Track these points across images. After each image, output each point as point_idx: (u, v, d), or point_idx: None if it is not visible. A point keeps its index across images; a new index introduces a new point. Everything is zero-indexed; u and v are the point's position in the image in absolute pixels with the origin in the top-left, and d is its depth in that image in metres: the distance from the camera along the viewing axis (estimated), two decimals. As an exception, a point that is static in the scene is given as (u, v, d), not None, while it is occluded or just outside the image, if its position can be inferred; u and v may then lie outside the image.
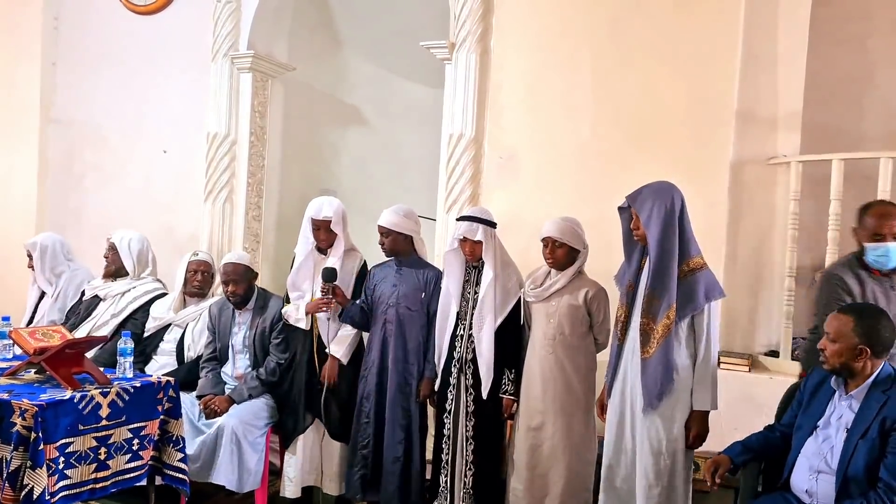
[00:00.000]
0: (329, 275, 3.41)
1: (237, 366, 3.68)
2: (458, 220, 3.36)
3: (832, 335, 2.38)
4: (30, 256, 4.40)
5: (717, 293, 2.72)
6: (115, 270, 4.14)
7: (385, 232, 3.45)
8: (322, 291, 3.42)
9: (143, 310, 4.01)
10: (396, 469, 3.39)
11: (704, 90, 3.83)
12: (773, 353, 3.80)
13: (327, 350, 3.50)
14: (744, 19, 3.77)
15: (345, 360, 3.51)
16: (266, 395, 3.60)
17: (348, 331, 3.53)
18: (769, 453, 2.62)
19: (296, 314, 3.55)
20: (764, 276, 3.87)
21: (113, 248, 4.14)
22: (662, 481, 2.72)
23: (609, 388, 2.92)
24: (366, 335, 3.61)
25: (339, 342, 3.51)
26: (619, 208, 2.86)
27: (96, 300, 4.10)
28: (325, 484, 3.57)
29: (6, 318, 3.52)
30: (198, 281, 3.91)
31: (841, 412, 2.40)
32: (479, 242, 3.24)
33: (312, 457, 3.54)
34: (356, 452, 3.48)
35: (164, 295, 4.10)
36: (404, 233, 3.46)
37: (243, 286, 3.67)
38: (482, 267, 3.28)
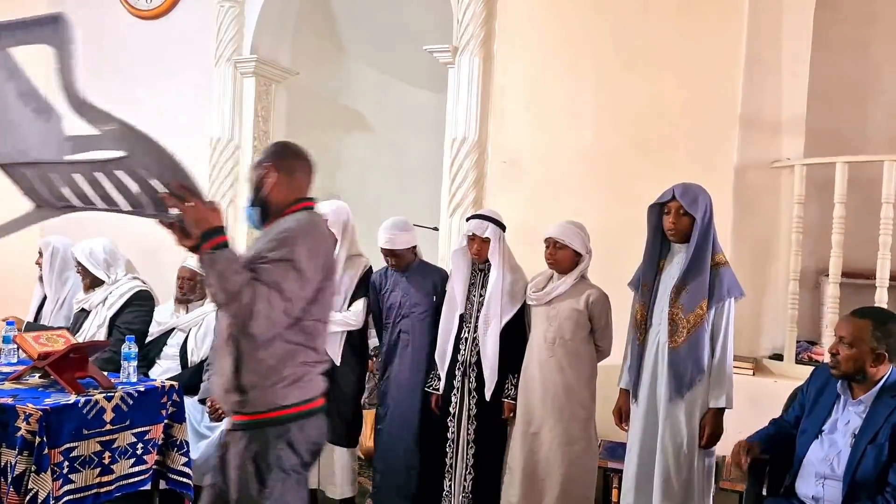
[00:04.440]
0: None
1: (239, 369, 3.68)
2: (467, 219, 3.37)
3: (848, 339, 2.34)
4: (40, 254, 4.39)
5: (738, 291, 2.77)
6: (92, 281, 4.10)
7: (391, 253, 3.44)
8: None
9: (128, 309, 3.99)
10: (412, 475, 3.39)
11: (708, 94, 3.83)
12: (778, 357, 3.79)
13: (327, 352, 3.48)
14: (747, 23, 3.77)
15: (335, 359, 3.49)
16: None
17: (335, 327, 3.48)
18: (787, 442, 2.57)
19: None
20: (768, 280, 3.86)
21: (79, 264, 4.11)
22: (682, 475, 2.72)
23: (634, 389, 2.89)
24: (372, 339, 3.62)
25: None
26: (651, 206, 2.84)
27: (84, 313, 4.08)
28: (328, 487, 3.56)
29: (10, 323, 3.53)
30: (179, 288, 3.94)
31: (848, 418, 2.39)
32: (487, 241, 3.23)
33: None
34: (376, 460, 3.52)
35: (144, 291, 4.09)
36: (409, 247, 3.47)
37: None
38: (488, 270, 3.27)
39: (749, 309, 3.78)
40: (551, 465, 3.13)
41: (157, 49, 5.18)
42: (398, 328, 3.49)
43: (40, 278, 4.42)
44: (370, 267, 3.62)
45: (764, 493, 2.66)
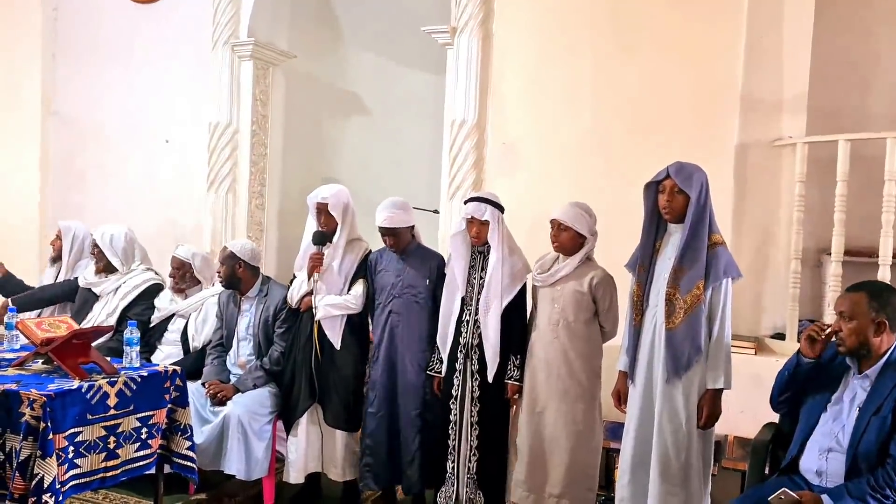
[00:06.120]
0: (318, 238, 3.45)
1: (240, 353, 3.69)
2: (465, 201, 3.36)
3: (848, 313, 2.36)
4: (58, 237, 4.39)
5: (735, 272, 2.75)
6: (105, 266, 4.11)
7: (390, 231, 3.42)
8: (312, 256, 3.44)
9: (140, 302, 4.01)
10: (417, 457, 3.40)
11: (708, 75, 3.82)
12: (780, 336, 3.80)
13: (328, 335, 3.48)
14: (748, 4, 3.75)
15: (335, 342, 3.48)
16: (270, 384, 3.60)
17: (336, 311, 3.49)
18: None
19: (297, 293, 3.55)
20: (770, 259, 3.87)
21: (96, 245, 4.11)
22: (680, 458, 2.73)
23: (631, 370, 2.89)
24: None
25: (327, 311, 3.47)
26: (647, 184, 2.82)
27: (91, 294, 4.09)
28: (330, 470, 3.57)
29: (12, 310, 3.53)
30: (171, 277, 3.98)
31: (854, 391, 2.40)
32: (486, 223, 3.22)
33: (314, 442, 3.54)
34: (364, 442, 3.50)
35: (157, 285, 4.10)
36: (406, 226, 3.45)
37: (226, 271, 3.67)
38: (488, 252, 3.27)
39: (750, 288, 3.78)
40: (556, 444, 3.15)
41: (153, 33, 5.15)
42: (388, 308, 3.47)
43: (52, 259, 4.42)
44: (370, 251, 3.61)
45: (766, 471, 2.67)
